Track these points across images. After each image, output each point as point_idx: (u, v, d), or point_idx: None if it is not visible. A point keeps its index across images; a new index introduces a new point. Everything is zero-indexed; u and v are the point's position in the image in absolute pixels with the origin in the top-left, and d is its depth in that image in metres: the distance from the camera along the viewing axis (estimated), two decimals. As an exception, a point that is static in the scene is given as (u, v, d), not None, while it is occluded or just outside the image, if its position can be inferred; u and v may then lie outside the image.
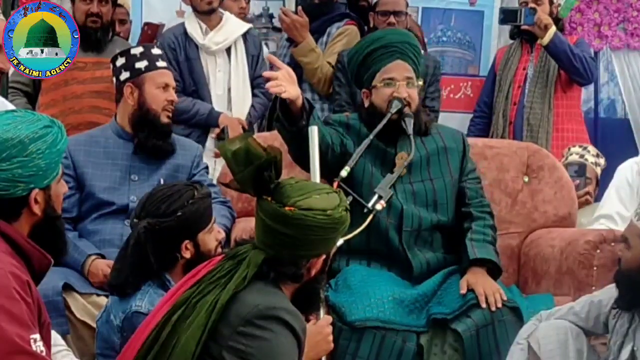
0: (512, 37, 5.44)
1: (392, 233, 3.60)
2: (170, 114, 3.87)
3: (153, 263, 3.02)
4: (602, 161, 4.74)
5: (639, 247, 3.05)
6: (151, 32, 5.15)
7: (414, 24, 5.42)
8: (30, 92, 4.86)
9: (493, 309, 3.36)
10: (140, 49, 3.92)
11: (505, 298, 3.39)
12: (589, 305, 3.21)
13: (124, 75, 3.87)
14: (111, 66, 3.97)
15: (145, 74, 3.84)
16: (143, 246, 3.02)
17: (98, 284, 3.56)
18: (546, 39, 5.08)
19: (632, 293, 3.05)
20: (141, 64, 3.85)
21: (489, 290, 3.39)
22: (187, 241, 3.06)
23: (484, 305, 3.36)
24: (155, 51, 3.94)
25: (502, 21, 5.33)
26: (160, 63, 3.90)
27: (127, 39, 5.28)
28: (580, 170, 4.49)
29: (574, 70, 5.11)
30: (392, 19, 5.00)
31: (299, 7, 5.21)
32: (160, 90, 3.85)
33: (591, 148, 4.80)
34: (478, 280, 3.43)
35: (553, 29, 5.08)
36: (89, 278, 3.62)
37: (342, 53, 5.02)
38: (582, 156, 4.74)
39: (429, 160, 3.70)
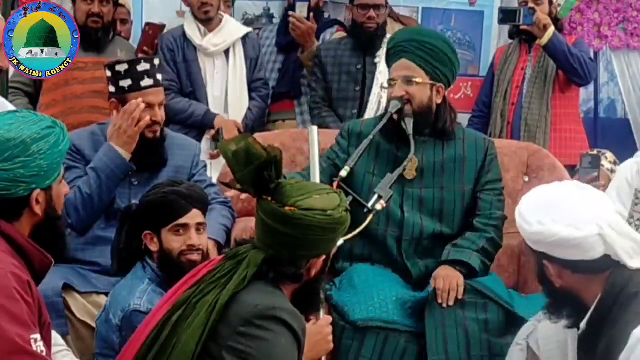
0: (511, 37, 5.44)
1: (391, 242, 3.59)
2: (157, 130, 3.77)
3: (120, 242, 3.26)
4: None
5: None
6: (152, 33, 5.14)
7: (414, 24, 5.41)
8: (32, 92, 4.85)
9: (445, 306, 3.32)
10: (125, 66, 3.74)
11: (460, 297, 3.33)
12: (588, 306, 3.20)
13: (111, 88, 3.79)
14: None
15: (128, 94, 3.72)
16: (120, 225, 3.29)
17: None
18: (545, 39, 5.07)
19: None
20: (125, 83, 3.73)
21: (446, 286, 3.34)
22: (147, 231, 3.20)
23: (440, 300, 3.32)
24: (142, 67, 3.74)
25: (502, 21, 5.32)
26: (145, 82, 3.73)
27: (128, 39, 5.29)
28: (594, 161, 4.43)
29: (572, 71, 5.10)
30: (372, 12, 4.93)
31: (311, 14, 5.21)
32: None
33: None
34: (441, 274, 3.39)
35: (552, 29, 5.07)
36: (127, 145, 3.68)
37: (320, 47, 5.03)
38: None
39: (444, 167, 3.65)
